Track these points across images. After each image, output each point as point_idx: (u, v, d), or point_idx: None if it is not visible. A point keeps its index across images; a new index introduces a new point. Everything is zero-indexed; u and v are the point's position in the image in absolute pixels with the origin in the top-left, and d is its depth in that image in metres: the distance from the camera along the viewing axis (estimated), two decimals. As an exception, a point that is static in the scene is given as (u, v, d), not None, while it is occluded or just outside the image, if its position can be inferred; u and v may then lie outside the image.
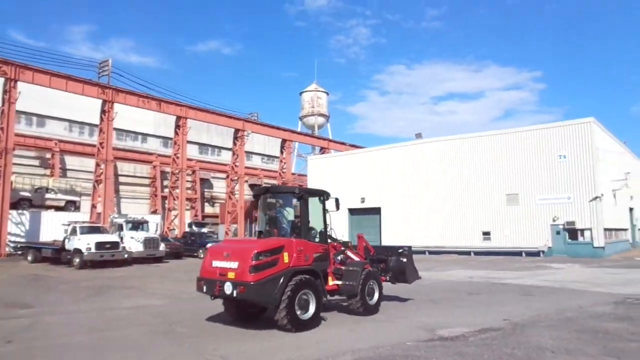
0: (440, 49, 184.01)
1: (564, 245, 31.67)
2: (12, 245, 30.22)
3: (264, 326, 9.37)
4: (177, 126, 42.20)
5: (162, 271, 23.31)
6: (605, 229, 31.52)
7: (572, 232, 31.65)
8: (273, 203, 10.13)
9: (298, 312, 8.77)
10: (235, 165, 47.79)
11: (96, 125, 39.68)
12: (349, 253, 10.93)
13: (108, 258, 24.80)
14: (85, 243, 24.28)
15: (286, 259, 8.82)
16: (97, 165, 36.92)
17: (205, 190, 61.65)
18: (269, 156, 71.00)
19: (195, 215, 56.98)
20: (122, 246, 25.99)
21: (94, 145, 39.62)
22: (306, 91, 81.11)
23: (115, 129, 50.88)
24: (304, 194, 9.89)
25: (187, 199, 56.08)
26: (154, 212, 50.91)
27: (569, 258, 29.88)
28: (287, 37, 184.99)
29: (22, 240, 30.54)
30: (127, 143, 55.04)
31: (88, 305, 12.53)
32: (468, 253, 34.47)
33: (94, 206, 36.38)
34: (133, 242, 27.34)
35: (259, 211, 10.28)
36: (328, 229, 10.13)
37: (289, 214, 10.09)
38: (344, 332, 9.06)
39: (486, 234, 34.91)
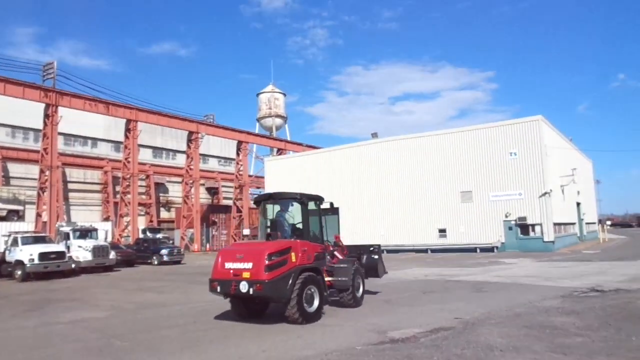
0: (396, 50, 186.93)
1: (516, 241, 32.42)
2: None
3: (215, 335, 9.00)
4: (127, 129, 41.03)
5: (111, 280, 22.50)
6: (555, 224, 32.47)
7: (524, 228, 32.43)
8: (275, 208, 11.08)
9: (305, 306, 9.79)
10: (190, 169, 47.05)
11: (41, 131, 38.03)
12: (335, 252, 12.20)
13: (53, 269, 23.71)
14: (28, 254, 23.14)
15: (293, 258, 9.86)
16: (42, 172, 35.59)
17: (161, 194, 60.48)
18: (226, 158, 70.12)
19: (151, 221, 55.64)
20: (68, 256, 24.90)
21: (39, 152, 37.86)
22: (263, 92, 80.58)
23: (62, 133, 49.29)
24: (305, 199, 10.88)
25: (142, 205, 54.51)
26: (107, 219, 49.33)
27: (521, 253, 30.59)
28: (243, 39, 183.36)
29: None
30: (76, 148, 53.08)
31: (22, 321, 11.67)
32: (425, 251, 34.76)
33: (39, 215, 35.01)
34: (81, 251, 26.45)
35: (260, 216, 11.22)
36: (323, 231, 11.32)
37: (290, 217, 10.96)
38: (291, 338, 8.74)
39: (442, 231, 35.33)
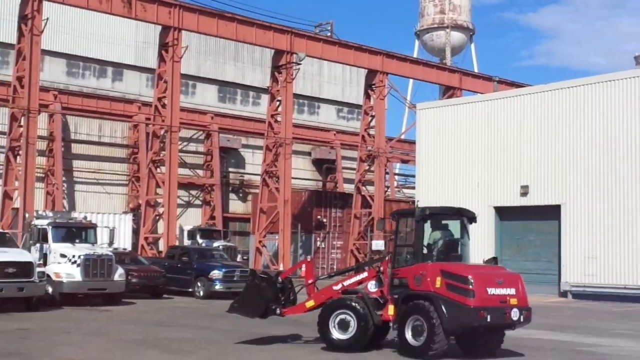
0: None
1: None
2: None
3: None
4: (164, 46, 41.54)
5: (107, 322, 22.75)
6: None
7: None
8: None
9: None
10: (276, 122, 46.81)
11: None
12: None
13: (12, 294, 24.41)
14: None
15: None
16: (13, 119, 37.04)
17: (231, 170, 61.82)
18: (352, 106, 69.43)
19: (211, 217, 56.51)
20: (40, 271, 25.54)
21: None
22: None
23: (63, 54, 51.87)
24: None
25: (195, 186, 56.17)
26: (135, 208, 51.50)
27: None
28: None
29: None
30: (87, 81, 55.71)
31: None
32: None
33: (7, 197, 36.65)
34: (64, 266, 27.13)
35: (423, 232, 16.41)
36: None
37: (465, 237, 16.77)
38: None
39: None
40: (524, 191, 38.68)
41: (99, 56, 55.71)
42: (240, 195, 61.76)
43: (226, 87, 63.20)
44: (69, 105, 51.17)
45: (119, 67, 57.28)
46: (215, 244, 43.19)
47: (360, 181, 52.12)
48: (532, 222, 39.15)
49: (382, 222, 17.90)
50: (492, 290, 14.83)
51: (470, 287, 14.68)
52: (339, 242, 51.66)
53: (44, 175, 49.19)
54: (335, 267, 51.10)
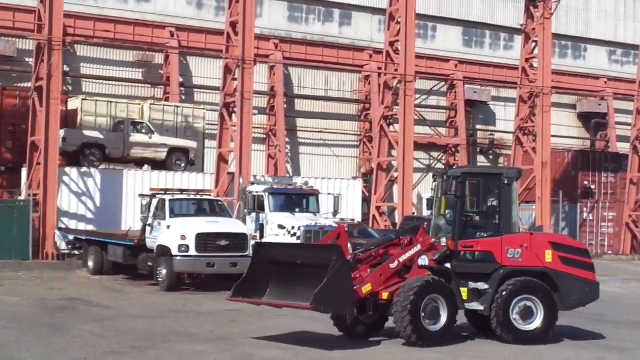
0: None
1: None
2: (65, 237, 32.26)
3: None
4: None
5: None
6: None
7: None
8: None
9: None
10: (531, 67, 44.48)
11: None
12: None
13: (224, 270, 25.16)
14: (177, 235, 25.06)
15: None
16: (226, 72, 36.89)
17: (479, 127, 60.44)
18: (627, 47, 65.63)
19: (459, 182, 54.55)
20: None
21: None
22: None
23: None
24: None
25: (435, 146, 54.04)
26: (366, 174, 51.39)
27: None
28: None
29: (85, 227, 32.87)
30: (310, 27, 54.62)
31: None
32: None
33: (222, 160, 36.83)
34: (282, 238, 28.10)
35: (511, 196, 16.46)
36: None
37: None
38: None
39: None
40: None
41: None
42: (490, 156, 59.45)
43: (472, 28, 59.97)
44: (290, 55, 51.27)
45: (347, 9, 55.69)
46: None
47: (638, 138, 48.74)
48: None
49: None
50: None
51: (591, 260, 15.36)
52: (611, 214, 48.74)
53: (264, 136, 49.76)
54: (606, 243, 48.99)
